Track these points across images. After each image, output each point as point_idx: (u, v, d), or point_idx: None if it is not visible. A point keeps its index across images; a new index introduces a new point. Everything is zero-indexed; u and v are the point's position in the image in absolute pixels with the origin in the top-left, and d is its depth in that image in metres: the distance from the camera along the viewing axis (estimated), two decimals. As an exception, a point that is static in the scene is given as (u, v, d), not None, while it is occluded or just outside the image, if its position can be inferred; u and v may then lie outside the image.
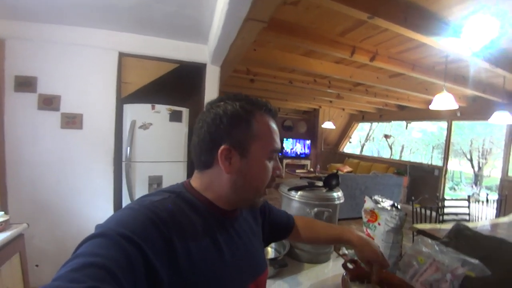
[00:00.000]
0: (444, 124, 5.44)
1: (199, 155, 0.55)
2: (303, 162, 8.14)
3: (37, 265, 2.05)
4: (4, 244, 1.31)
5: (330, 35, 2.39)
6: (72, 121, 2.18)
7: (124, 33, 2.24)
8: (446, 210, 2.70)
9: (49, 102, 2.11)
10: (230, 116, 0.53)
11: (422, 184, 5.40)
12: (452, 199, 2.93)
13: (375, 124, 9.05)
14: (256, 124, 0.54)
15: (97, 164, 2.27)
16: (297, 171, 6.66)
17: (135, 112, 2.30)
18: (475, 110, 4.53)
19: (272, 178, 0.58)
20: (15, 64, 2.04)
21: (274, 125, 0.58)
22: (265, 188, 0.58)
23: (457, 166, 8.33)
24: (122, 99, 2.35)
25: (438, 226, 2.20)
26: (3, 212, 1.41)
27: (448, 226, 1.90)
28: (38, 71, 2.09)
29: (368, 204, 1.16)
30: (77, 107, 2.19)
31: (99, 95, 2.25)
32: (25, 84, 2.06)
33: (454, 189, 8.14)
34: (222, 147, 0.51)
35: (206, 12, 1.77)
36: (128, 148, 2.26)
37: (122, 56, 2.31)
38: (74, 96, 2.18)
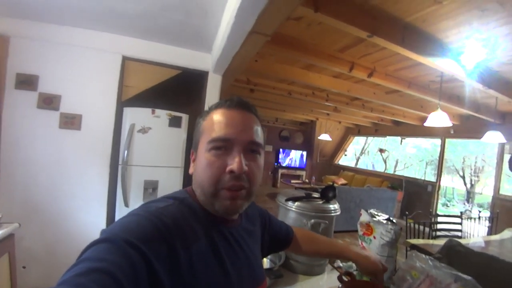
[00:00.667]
0: (438, 141, 5.55)
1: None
2: (299, 172, 8.17)
3: (24, 267, 1.99)
4: (-5, 244, 1.29)
5: (330, 51, 2.47)
6: (71, 122, 2.17)
7: (128, 37, 2.27)
8: (439, 226, 2.73)
9: (49, 101, 2.11)
10: (196, 123, 0.60)
11: (415, 199, 5.44)
12: (445, 215, 2.97)
13: (370, 138, 9.18)
14: (204, 122, 0.57)
15: (93, 166, 2.25)
16: (292, 181, 6.66)
17: (135, 115, 2.31)
18: (468, 128, 4.64)
19: (225, 174, 0.50)
20: (17, 61, 2.04)
21: (229, 116, 0.53)
22: (216, 187, 0.51)
23: (450, 182, 8.44)
24: (123, 102, 2.36)
25: (431, 241, 2.22)
26: (-5, 211, 1.39)
27: (441, 242, 1.92)
28: (40, 70, 2.09)
29: (364, 217, 1.17)
30: (77, 108, 2.19)
31: (100, 97, 2.26)
32: (26, 82, 2.06)
33: (447, 205, 8.21)
34: (191, 152, 0.60)
35: (211, 22, 1.82)
36: (126, 151, 2.25)
37: (125, 59, 2.34)
38: (74, 97, 2.18)
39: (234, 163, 0.49)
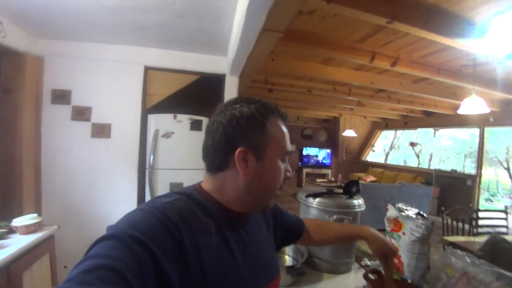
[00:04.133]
0: (476, 131, 5.10)
1: (213, 157, 0.54)
2: (324, 171, 7.97)
3: (65, 266, 2.16)
4: (36, 244, 1.41)
5: (348, 42, 2.38)
6: (102, 131, 2.33)
7: (149, 48, 2.39)
8: (480, 222, 2.50)
9: (81, 113, 2.28)
10: (246, 118, 0.52)
11: (453, 195, 5.05)
12: (487, 210, 2.71)
13: (399, 131, 8.68)
14: (271, 127, 0.55)
15: (122, 171, 2.40)
16: (318, 180, 6.52)
17: (158, 121, 2.41)
18: (509, 114, 4.22)
19: (283, 180, 0.59)
20: (52, 79, 2.24)
21: (285, 128, 0.59)
22: (278, 189, 0.58)
23: (493, 175, 7.71)
24: (147, 110, 2.48)
25: (472, 238, 2.04)
26: (36, 214, 1.52)
27: (483, 239, 1.76)
28: (72, 85, 2.27)
29: (391, 212, 1.11)
30: (106, 118, 2.35)
31: (126, 106, 2.40)
32: (61, 97, 2.25)
33: (491, 200, 7.50)
34: (239, 149, 0.51)
35: (225, 26, 1.84)
36: (152, 156, 2.36)
37: (147, 69, 2.46)
38: (103, 107, 2.34)
39: (290, 172, 0.61)
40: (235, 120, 0.52)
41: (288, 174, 0.59)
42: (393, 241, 1.09)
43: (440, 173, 5.46)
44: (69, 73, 2.27)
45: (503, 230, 2.48)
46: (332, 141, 8.11)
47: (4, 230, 1.40)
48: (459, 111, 2.58)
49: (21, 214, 1.54)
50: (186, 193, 0.54)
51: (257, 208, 0.60)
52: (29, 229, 1.44)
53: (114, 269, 0.34)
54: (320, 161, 8.00)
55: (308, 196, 1.16)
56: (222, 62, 2.53)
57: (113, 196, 2.37)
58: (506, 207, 2.60)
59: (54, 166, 2.25)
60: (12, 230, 1.42)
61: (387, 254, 0.82)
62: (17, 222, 1.42)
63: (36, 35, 2.12)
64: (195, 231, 0.47)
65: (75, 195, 2.28)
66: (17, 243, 1.31)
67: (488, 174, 7.09)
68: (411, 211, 1.09)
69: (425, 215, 1.05)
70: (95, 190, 2.33)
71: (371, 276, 0.85)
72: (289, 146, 0.59)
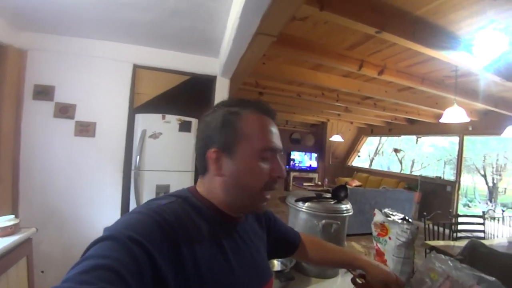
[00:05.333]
0: (455, 139, 5.33)
1: (198, 161, 0.58)
2: (311, 175, 8.06)
3: (42, 271, 2.06)
4: (13, 248, 1.33)
5: (338, 49, 2.43)
6: (86, 129, 2.24)
7: (139, 46, 2.34)
8: (460, 227, 2.60)
9: (65, 111, 2.19)
10: (217, 120, 0.54)
11: (434, 200, 5.24)
12: (466, 216, 2.83)
13: (384, 138, 8.94)
14: (243, 123, 0.54)
15: (107, 171, 2.31)
16: (305, 184, 6.58)
17: (146, 121, 2.36)
18: (487, 124, 4.44)
19: (273, 179, 0.55)
20: (35, 73, 2.14)
21: (267, 124, 0.56)
22: (262, 190, 0.55)
23: (471, 182, 8.07)
24: (135, 109, 2.42)
25: (452, 243, 2.12)
26: (13, 216, 1.44)
27: (462, 243, 1.83)
28: (56, 80, 2.18)
29: (378, 217, 1.13)
30: (91, 116, 2.26)
31: (113, 104, 2.33)
32: (43, 92, 2.15)
33: (468, 205, 7.85)
34: (210, 150, 0.53)
35: (218, 27, 1.84)
36: (138, 156, 2.29)
37: (136, 68, 2.40)
38: (89, 105, 2.25)
39: (282, 171, 0.56)
40: (208, 124, 0.56)
41: (277, 173, 0.55)
42: (379, 245, 1.11)
43: (422, 179, 5.66)
44: (54, 68, 2.17)
45: (481, 234, 2.59)
46: (319, 145, 8.23)
47: (-23, 232, 1.32)
48: (442, 120, 2.69)
49: (-4, 215, 1.46)
50: (181, 195, 0.54)
51: (244, 210, 0.59)
52: (5, 232, 1.36)
53: (112, 269, 0.34)
54: (308, 165, 8.09)
55: (297, 200, 1.17)
56: (213, 64, 2.52)
57: (96, 197, 2.28)
58: (483, 212, 2.72)
59: (34, 165, 2.14)
60: (-14, 232, 1.34)
61: (387, 282, 0.77)
62: (-9, 223, 1.34)
63: (20, 27, 2.02)
64: (190, 233, 0.47)
65: (55, 196, 2.18)
66: (-9, 246, 1.24)
67: (466, 180, 7.41)
68: (397, 216, 1.12)
69: (410, 220, 1.09)
70: (77, 191, 2.23)
71: (358, 280, 0.86)
72: (272, 142, 0.55)
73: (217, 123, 0.54)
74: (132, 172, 2.32)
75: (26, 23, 1.98)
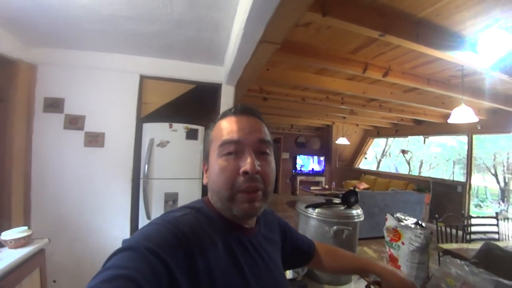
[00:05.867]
0: (464, 138, 5.25)
1: None
2: (318, 179, 8.01)
3: (54, 281, 2.08)
4: (26, 259, 1.36)
5: (342, 53, 2.44)
6: (95, 140, 2.28)
7: (145, 57, 2.38)
8: (473, 229, 2.54)
9: (74, 122, 2.24)
10: (205, 136, 0.63)
11: (445, 201, 5.14)
12: (478, 217, 2.77)
13: (391, 139, 8.85)
14: (213, 131, 0.59)
15: (116, 180, 2.34)
16: (312, 188, 6.53)
17: (154, 130, 2.39)
18: (496, 123, 4.37)
19: (239, 176, 0.51)
20: (45, 87, 2.20)
21: (231, 121, 0.56)
22: (232, 190, 0.51)
23: (481, 181, 7.90)
24: (142, 119, 2.45)
25: (465, 245, 2.07)
26: (26, 227, 1.46)
27: (476, 246, 1.79)
28: (66, 93, 2.23)
29: (390, 222, 1.12)
30: (100, 127, 2.30)
31: (121, 115, 2.37)
32: (53, 105, 2.20)
33: (480, 206, 7.67)
34: (203, 162, 0.61)
35: (222, 36, 1.86)
36: (146, 165, 2.32)
37: (143, 78, 2.44)
38: (97, 116, 2.30)
39: (247, 164, 0.51)
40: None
41: (243, 168, 0.50)
42: (392, 251, 1.10)
43: (431, 180, 5.57)
44: (63, 81, 2.23)
45: (495, 236, 2.53)
46: (326, 148, 8.19)
47: (-8, 244, 1.34)
48: (450, 120, 2.66)
49: (9, 227, 1.49)
50: (195, 207, 0.55)
51: (234, 216, 0.54)
52: (19, 243, 1.38)
53: (132, 278, 0.36)
54: (314, 169, 8.05)
55: (308, 207, 1.16)
56: (218, 72, 2.54)
57: (106, 206, 2.30)
58: (496, 213, 2.65)
59: (45, 176, 2.18)
60: (1, 244, 1.37)
61: None
62: (6, 235, 1.37)
63: (30, 43, 2.09)
64: (204, 244, 0.48)
65: (66, 206, 2.21)
66: (6, 258, 1.26)
67: (477, 180, 7.26)
68: (410, 221, 1.11)
69: (423, 224, 1.07)
70: (87, 201, 2.26)
71: (372, 287, 0.85)
72: (228, 135, 0.53)
73: (204, 138, 0.63)
74: (141, 181, 2.34)
75: (36, 39, 2.04)
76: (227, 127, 0.55)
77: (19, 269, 1.30)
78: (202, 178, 0.62)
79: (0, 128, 1.99)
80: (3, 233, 1.38)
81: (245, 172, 0.50)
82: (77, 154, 2.25)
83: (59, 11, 1.61)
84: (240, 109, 0.58)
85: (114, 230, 2.28)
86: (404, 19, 1.76)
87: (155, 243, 0.42)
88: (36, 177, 2.17)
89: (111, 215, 2.31)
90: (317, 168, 8.08)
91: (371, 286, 0.85)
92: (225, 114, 0.59)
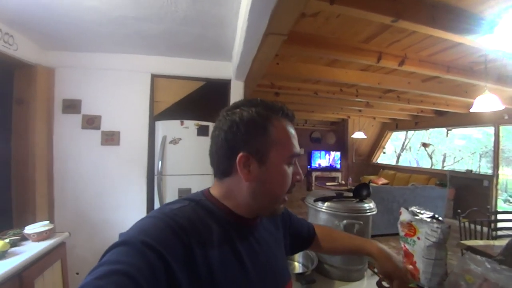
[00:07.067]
0: (490, 129, 4.93)
1: (218, 164, 0.55)
2: (334, 174, 7.86)
3: (77, 273, 2.18)
4: (48, 251, 1.44)
5: (353, 43, 2.35)
6: (111, 138, 2.37)
7: (155, 56, 2.43)
8: (500, 225, 2.39)
9: (91, 122, 2.33)
10: (246, 122, 0.51)
11: (469, 196, 4.87)
12: (507, 212, 2.59)
13: (411, 132, 8.49)
14: (274, 130, 0.53)
15: (132, 177, 2.42)
16: (327, 183, 6.42)
17: (166, 128, 2.43)
18: (526, 112, 4.06)
19: (292, 183, 0.56)
20: (63, 89, 2.31)
21: (291, 129, 0.56)
22: (285, 194, 0.56)
23: (511, 175, 7.41)
24: (154, 117, 2.51)
25: (491, 242, 1.95)
26: (48, 221, 1.54)
27: (503, 243, 1.67)
28: (82, 94, 2.33)
29: (405, 216, 1.06)
30: (115, 125, 2.39)
31: (134, 113, 2.44)
32: (71, 106, 2.30)
33: (509, 201, 7.21)
34: (240, 154, 0.50)
35: (228, 31, 1.85)
36: (160, 162, 2.37)
37: (154, 77, 2.50)
38: (112, 116, 2.38)
39: (301, 175, 0.58)
40: (235, 125, 0.52)
41: (297, 177, 0.57)
42: (407, 246, 1.04)
43: (455, 174, 5.30)
44: (79, 83, 2.33)
45: (525, 232, 2.36)
46: (341, 143, 8.01)
47: (17, 237, 1.43)
48: (472, 109, 2.50)
49: (34, 221, 1.58)
50: (194, 199, 0.54)
51: (264, 213, 0.59)
52: (41, 236, 1.46)
53: (127, 274, 0.35)
54: (330, 164, 7.90)
55: (316, 200, 1.13)
56: (227, 67, 2.55)
57: (123, 202, 2.39)
58: (527, 208, 2.47)
59: (66, 174, 2.30)
60: (25, 237, 1.45)
61: (392, 276, 0.74)
62: (29, 229, 1.45)
63: (46, 47, 2.19)
64: (203, 237, 0.47)
65: (86, 202, 2.32)
66: (29, 250, 1.34)
67: (506, 174, 6.82)
68: (426, 215, 1.05)
69: (440, 218, 1.01)
70: (105, 197, 2.36)
71: (384, 283, 0.81)
72: (297, 148, 0.56)
73: (246, 126, 0.51)
74: (155, 177, 2.40)
75: (52, 43, 2.14)
76: (293, 136, 0.56)
77: (42, 260, 1.38)
78: (237, 171, 0.52)
79: (23, 130, 2.10)
80: (26, 227, 1.46)
81: (298, 181, 0.57)
82: (94, 152, 2.34)
83: (71, 17, 1.68)
84: (293, 115, 0.58)
85: (131, 224, 2.35)
86: (417, 2, 1.65)
87: (152, 236, 0.41)
88: (58, 175, 2.29)
89: (127, 210, 2.39)
90: (333, 163, 7.93)
91: (383, 282, 0.81)
92: (284, 116, 0.56)
